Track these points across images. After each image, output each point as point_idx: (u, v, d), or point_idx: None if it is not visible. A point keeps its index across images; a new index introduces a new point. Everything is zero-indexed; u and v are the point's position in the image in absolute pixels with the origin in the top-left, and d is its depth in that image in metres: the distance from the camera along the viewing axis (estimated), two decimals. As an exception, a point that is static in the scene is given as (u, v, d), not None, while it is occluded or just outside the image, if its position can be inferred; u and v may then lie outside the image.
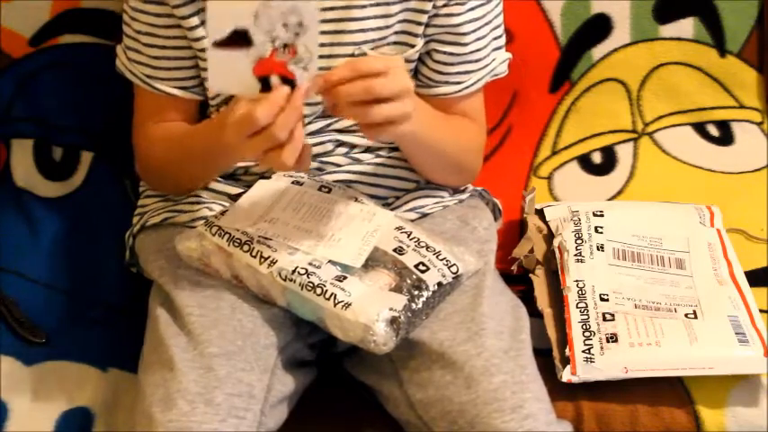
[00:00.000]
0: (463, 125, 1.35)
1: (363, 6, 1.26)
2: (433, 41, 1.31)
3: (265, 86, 1.11)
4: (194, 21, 1.27)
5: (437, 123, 1.29)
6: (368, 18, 1.27)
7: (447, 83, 1.33)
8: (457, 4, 1.28)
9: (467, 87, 1.34)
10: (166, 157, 1.33)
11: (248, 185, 1.29)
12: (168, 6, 1.27)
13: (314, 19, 1.09)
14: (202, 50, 1.28)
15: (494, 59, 1.35)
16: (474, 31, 1.31)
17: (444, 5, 1.28)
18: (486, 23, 1.32)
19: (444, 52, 1.31)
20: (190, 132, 1.31)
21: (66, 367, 1.32)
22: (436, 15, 1.29)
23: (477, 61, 1.33)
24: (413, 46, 1.30)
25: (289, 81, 1.11)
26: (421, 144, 1.26)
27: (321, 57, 1.11)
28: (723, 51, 1.63)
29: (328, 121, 1.31)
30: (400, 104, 1.13)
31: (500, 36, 1.35)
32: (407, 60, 1.31)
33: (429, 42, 1.31)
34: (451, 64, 1.32)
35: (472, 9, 1.30)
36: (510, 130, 1.61)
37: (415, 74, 1.34)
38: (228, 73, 1.11)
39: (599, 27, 1.61)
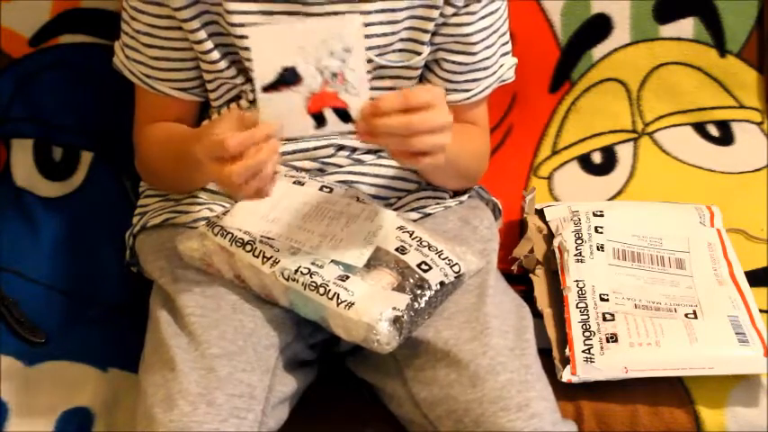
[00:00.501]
0: (471, 133, 1.35)
1: (369, 12, 1.26)
2: (441, 50, 1.31)
3: (320, 123, 1.10)
4: (195, 24, 1.27)
5: (454, 141, 1.27)
6: (373, 24, 1.26)
7: (455, 90, 1.33)
8: (467, 13, 1.28)
9: (475, 95, 1.34)
10: (161, 158, 1.32)
11: (249, 186, 1.29)
12: (169, 8, 1.26)
13: (359, 39, 1.08)
14: (205, 53, 1.28)
15: (501, 65, 1.35)
16: (483, 40, 1.31)
17: (454, 15, 1.28)
18: (495, 31, 1.32)
19: (453, 61, 1.32)
20: (180, 136, 1.29)
21: (66, 367, 1.32)
22: (445, 24, 1.29)
23: (485, 69, 1.33)
24: (419, 53, 1.30)
25: (341, 111, 1.10)
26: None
27: None
28: (723, 51, 1.63)
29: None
30: (437, 137, 1.12)
31: (507, 42, 1.36)
32: (413, 67, 1.31)
33: (437, 51, 1.31)
34: (460, 72, 1.32)
35: (482, 18, 1.30)
36: (510, 130, 1.62)
37: (421, 80, 1.34)
38: (282, 116, 1.10)
39: (599, 27, 1.61)
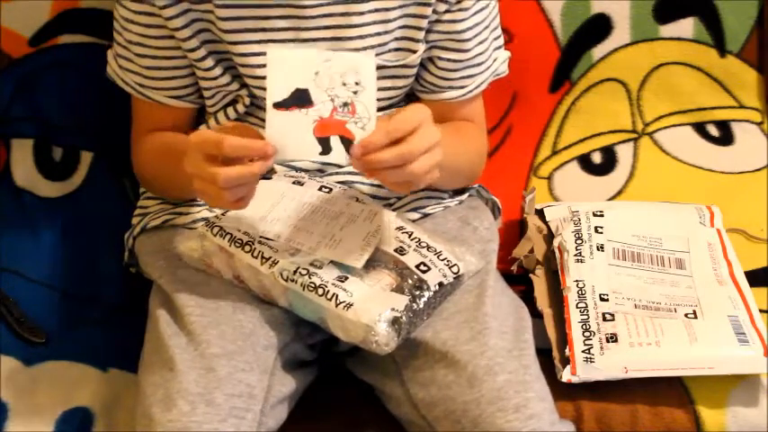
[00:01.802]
0: (468, 132, 1.35)
1: (362, 13, 1.26)
2: (435, 48, 1.31)
3: (325, 148, 1.11)
4: (187, 32, 1.26)
5: (451, 143, 1.27)
6: (366, 24, 1.26)
7: (451, 88, 1.33)
8: (459, 10, 1.28)
9: (470, 91, 1.34)
10: (156, 167, 1.32)
11: (248, 186, 1.29)
12: (160, 18, 1.25)
13: (372, 78, 1.10)
14: (199, 60, 1.28)
15: (495, 60, 1.35)
16: (476, 36, 1.31)
17: (446, 11, 1.28)
18: (486, 27, 1.32)
19: (447, 59, 1.31)
20: (175, 145, 1.28)
21: (67, 367, 1.32)
22: (438, 21, 1.29)
23: (479, 65, 1.33)
24: (414, 51, 1.30)
25: (346, 141, 1.11)
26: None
27: None
28: (723, 51, 1.63)
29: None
30: (429, 157, 1.12)
31: (499, 36, 1.36)
32: (409, 66, 1.31)
33: (431, 49, 1.31)
34: (455, 70, 1.32)
35: (474, 14, 1.30)
36: (510, 130, 1.62)
37: (417, 78, 1.34)
38: (288, 135, 1.10)
39: (599, 27, 1.61)
